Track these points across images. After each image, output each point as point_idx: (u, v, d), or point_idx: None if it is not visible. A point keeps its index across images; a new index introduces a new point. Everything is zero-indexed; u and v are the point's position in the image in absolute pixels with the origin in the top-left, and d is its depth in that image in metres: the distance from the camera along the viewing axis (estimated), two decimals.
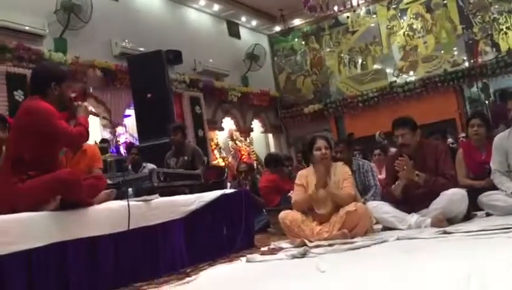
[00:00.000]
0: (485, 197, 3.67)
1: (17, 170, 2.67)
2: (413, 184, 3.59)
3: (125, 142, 10.08)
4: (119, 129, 9.73)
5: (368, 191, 4.53)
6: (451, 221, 3.41)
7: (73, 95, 3.05)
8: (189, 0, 11.20)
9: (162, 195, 4.46)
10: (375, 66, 12.69)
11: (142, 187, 4.41)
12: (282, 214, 3.75)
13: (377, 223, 3.74)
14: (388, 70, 12.51)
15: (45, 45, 7.94)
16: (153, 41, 9.80)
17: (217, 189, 5.60)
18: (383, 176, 6.49)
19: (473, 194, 4.05)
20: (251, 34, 13.47)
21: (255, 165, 6.80)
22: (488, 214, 3.67)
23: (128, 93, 8.58)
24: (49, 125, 2.72)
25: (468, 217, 3.58)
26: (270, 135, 13.80)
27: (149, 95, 7.01)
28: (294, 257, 2.91)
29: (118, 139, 9.76)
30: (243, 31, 13.15)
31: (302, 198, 3.70)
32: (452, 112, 11.56)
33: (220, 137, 12.14)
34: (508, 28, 11.15)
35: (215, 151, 11.85)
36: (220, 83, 11.53)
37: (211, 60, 11.32)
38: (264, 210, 5.23)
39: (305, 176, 3.84)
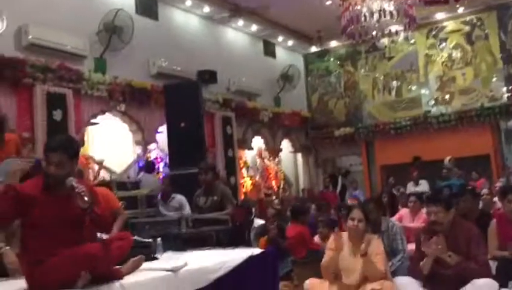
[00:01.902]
0: None
1: (29, 250, 2.71)
2: (443, 264, 3.53)
3: (156, 158, 10.26)
4: (151, 145, 9.88)
5: (395, 255, 4.48)
6: None
7: None
8: (228, 20, 11.26)
9: (189, 241, 4.59)
10: (410, 94, 12.53)
11: (171, 235, 4.51)
12: (309, 284, 3.77)
13: None
14: (423, 100, 12.34)
15: (85, 65, 8.13)
16: (189, 60, 9.96)
17: (244, 231, 5.70)
18: (415, 223, 6.46)
19: (505, 263, 4.04)
20: (287, 53, 13.48)
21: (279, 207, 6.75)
22: None
23: (162, 113, 8.71)
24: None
25: None
26: (299, 155, 13.79)
27: (182, 124, 7.10)
28: None
29: (149, 155, 9.93)
30: (278, 50, 13.18)
31: (333, 264, 3.68)
32: (487, 147, 11.35)
33: (248, 156, 12.20)
34: None
35: (243, 170, 11.92)
36: (252, 103, 11.59)
37: (244, 79, 11.36)
38: (289, 258, 5.22)
39: (337, 241, 3.81)
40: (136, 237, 3.81)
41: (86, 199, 2.71)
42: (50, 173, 2.72)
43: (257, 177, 12.38)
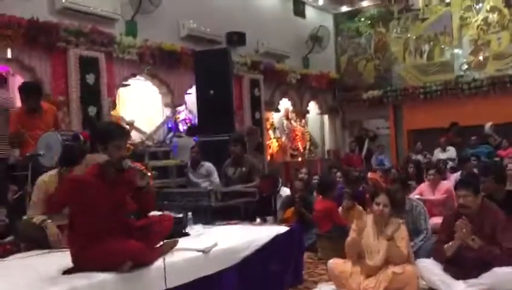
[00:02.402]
0: None
1: (78, 232, 2.91)
2: (466, 247, 3.63)
3: (184, 119, 10.44)
4: (180, 107, 10.03)
5: (418, 234, 4.59)
6: None
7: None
8: None
9: (218, 213, 4.78)
10: (442, 58, 12.25)
11: (201, 208, 4.71)
12: (332, 263, 3.90)
13: None
14: (456, 64, 12.05)
15: (117, 28, 8.20)
16: (218, 22, 9.90)
17: (271, 202, 5.87)
18: (436, 196, 6.53)
19: None
20: (316, 13, 13.24)
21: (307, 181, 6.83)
22: None
23: (191, 75, 8.80)
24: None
25: None
26: (326, 117, 13.78)
27: (211, 92, 7.18)
28: None
29: (177, 116, 10.10)
30: (308, 10, 12.94)
31: (357, 243, 3.81)
32: None
33: (275, 117, 12.26)
34: None
35: (270, 132, 12.02)
36: (280, 65, 11.53)
37: (272, 41, 11.24)
38: (314, 230, 5.38)
39: (363, 223, 3.94)
40: (168, 212, 4.02)
41: (147, 174, 2.95)
42: (119, 157, 2.93)
43: (283, 139, 12.48)
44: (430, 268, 3.77)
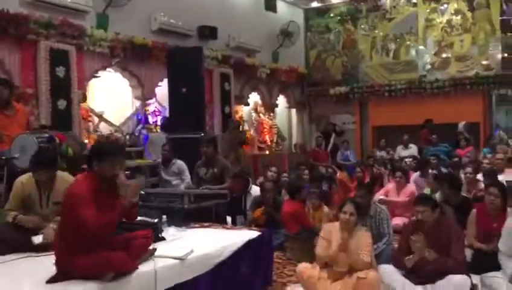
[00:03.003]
0: (489, 279, 3.99)
1: (66, 240, 3.01)
2: (422, 259, 3.90)
3: (154, 112, 10.46)
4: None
5: (381, 238, 4.85)
6: None
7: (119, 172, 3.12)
8: None
9: (190, 215, 4.93)
10: (407, 57, 12.63)
11: (174, 210, 4.84)
12: (302, 267, 4.12)
13: None
14: (420, 64, 12.46)
15: (88, 21, 8.14)
16: (190, 16, 9.93)
17: (241, 201, 6.05)
18: (401, 198, 6.85)
19: (480, 255, 4.45)
20: (287, 8, 13.40)
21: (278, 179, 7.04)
22: None
23: (162, 69, 8.85)
24: (73, 211, 2.93)
25: None
26: (294, 111, 14.02)
27: (184, 90, 7.27)
28: None
29: (147, 108, 10.11)
30: (279, 5, 13.09)
31: (324, 255, 4.05)
32: (477, 115, 11.63)
33: (244, 110, 12.40)
34: None
35: None
36: (251, 59, 11.66)
37: (243, 35, 11.34)
38: (282, 230, 5.59)
39: (330, 231, 4.17)
40: (144, 218, 4.14)
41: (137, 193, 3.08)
42: (112, 173, 3.08)
43: (251, 132, 12.64)
44: (391, 274, 4.02)
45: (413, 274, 3.96)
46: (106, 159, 3.08)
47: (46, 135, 4.65)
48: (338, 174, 6.94)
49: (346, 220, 4.05)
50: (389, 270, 4.07)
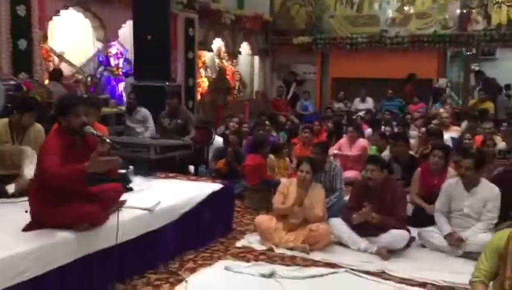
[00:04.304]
0: (425, 233, 4.49)
1: (43, 191, 3.19)
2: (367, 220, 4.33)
3: (116, 54, 10.35)
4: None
5: (334, 192, 5.25)
6: (391, 251, 4.24)
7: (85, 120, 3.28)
8: None
9: (157, 166, 5.16)
10: (371, 11, 12.83)
11: (141, 160, 5.06)
12: (260, 218, 4.50)
13: None
14: (382, 18, 12.70)
15: None
16: None
17: (203, 152, 6.30)
18: (352, 152, 7.27)
19: (420, 211, 4.96)
20: None
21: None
22: (423, 246, 4.51)
23: (126, 11, 8.73)
24: (40, 161, 3.14)
25: (407, 245, 4.40)
26: (257, 58, 14.11)
27: (149, 37, 7.27)
28: (263, 275, 3.71)
29: (109, 50, 10.00)
30: None
31: (281, 208, 4.43)
32: (432, 72, 12.10)
33: (207, 56, 12.41)
34: (503, 2, 11.39)
35: (201, 70, 12.20)
36: (216, 4, 11.58)
37: None
38: (242, 181, 5.91)
39: (287, 186, 4.54)
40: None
41: (107, 141, 3.21)
42: (79, 124, 3.20)
43: (214, 77, 12.71)
44: (340, 227, 4.46)
45: (359, 227, 4.40)
46: (69, 111, 3.22)
47: (13, 83, 4.70)
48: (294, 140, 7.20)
49: (302, 178, 4.41)
50: (338, 223, 4.50)
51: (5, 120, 4.11)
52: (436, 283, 3.67)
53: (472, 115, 8.65)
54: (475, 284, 2.83)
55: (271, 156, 6.09)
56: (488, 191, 4.34)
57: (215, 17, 11.56)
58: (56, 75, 7.92)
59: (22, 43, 7.51)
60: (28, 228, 3.19)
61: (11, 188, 3.88)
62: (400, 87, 11.70)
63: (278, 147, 6.38)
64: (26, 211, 3.30)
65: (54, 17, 8.55)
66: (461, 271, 3.64)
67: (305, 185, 4.42)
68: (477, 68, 13.00)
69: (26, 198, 3.44)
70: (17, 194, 3.84)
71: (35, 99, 4.23)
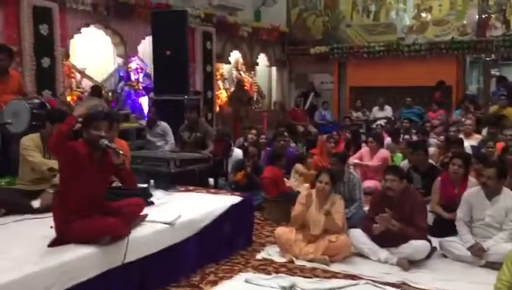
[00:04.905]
0: (446, 243, 4.45)
1: (64, 206, 3.28)
2: (388, 229, 4.31)
3: (136, 69, 10.53)
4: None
5: (353, 203, 5.25)
6: (412, 261, 4.22)
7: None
8: None
9: (177, 179, 5.24)
10: (387, 20, 12.82)
11: (161, 174, 5.14)
12: (279, 230, 4.53)
13: None
14: (398, 26, 12.68)
15: None
16: None
17: (223, 164, 6.36)
18: (373, 162, 7.24)
19: (441, 221, 4.92)
20: None
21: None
22: (444, 256, 4.47)
23: (145, 26, 8.92)
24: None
25: (428, 256, 4.37)
26: (274, 69, 14.20)
27: (168, 53, 7.40)
28: (283, 288, 3.72)
29: (129, 66, 10.19)
30: None
31: (299, 216, 4.45)
32: (451, 79, 12.00)
33: (225, 68, 12.54)
34: None
35: (219, 82, 12.32)
36: (233, 18, 11.71)
37: None
38: (262, 193, 5.95)
39: (307, 196, 4.54)
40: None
41: (121, 153, 3.30)
42: (96, 136, 3.28)
43: (232, 89, 12.82)
44: (360, 238, 4.45)
45: (380, 238, 4.39)
46: (90, 124, 3.32)
47: (37, 101, 4.83)
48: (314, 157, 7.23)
49: (321, 189, 4.43)
50: (358, 234, 4.49)
51: (37, 134, 4.21)
52: None
53: (493, 121, 8.53)
54: None
55: (299, 165, 6.13)
56: (510, 200, 4.29)
57: (232, 30, 11.69)
58: (96, 91, 8.12)
59: (45, 61, 7.74)
60: (53, 244, 3.28)
61: (36, 203, 3.97)
62: (418, 95, 11.64)
63: (303, 156, 6.41)
64: (51, 227, 3.38)
65: (75, 35, 8.78)
66: (484, 282, 3.61)
67: (324, 195, 4.44)
68: (498, 73, 12.86)
69: (51, 213, 3.54)
70: (42, 209, 3.92)
71: (65, 111, 4.31)
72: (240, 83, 11.58)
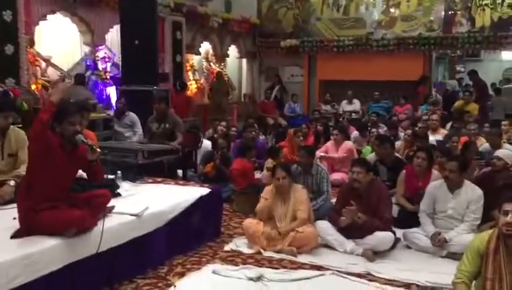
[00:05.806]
0: (410, 234, 4.56)
1: (31, 196, 3.22)
2: (354, 221, 4.39)
3: (104, 58, 10.33)
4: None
5: (321, 195, 5.32)
6: (377, 252, 4.32)
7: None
8: None
9: (145, 170, 5.19)
10: (357, 14, 12.94)
11: (129, 165, 5.09)
12: (247, 223, 4.55)
13: None
14: (368, 21, 12.82)
15: None
16: None
17: (192, 156, 6.34)
18: (339, 154, 7.33)
19: (405, 213, 5.04)
20: None
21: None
22: (408, 247, 4.58)
23: (113, 15, 8.76)
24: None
25: (393, 247, 4.48)
26: (244, 61, 14.17)
27: (137, 42, 7.29)
28: (251, 279, 3.76)
29: (96, 55, 9.99)
30: None
31: (262, 211, 4.50)
32: (417, 74, 12.22)
33: (195, 59, 12.43)
34: (486, 5, 11.56)
35: (189, 73, 12.22)
36: (203, 8, 11.61)
37: None
38: (230, 185, 5.96)
39: (271, 191, 4.59)
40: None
41: (97, 150, 3.30)
42: (72, 132, 3.25)
43: (202, 81, 12.74)
44: (326, 229, 4.52)
45: (346, 230, 4.46)
46: (65, 118, 3.28)
47: (0, 89, 4.69)
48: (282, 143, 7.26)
49: (279, 185, 4.47)
50: (325, 226, 4.56)
51: None
52: (420, 284, 3.75)
53: (456, 117, 8.77)
54: (457, 285, 2.91)
55: (270, 160, 6.16)
56: (471, 192, 4.43)
57: (202, 21, 11.60)
58: (80, 79, 7.94)
59: (9, 48, 7.48)
60: (16, 235, 3.21)
61: None
62: (386, 89, 11.84)
63: (275, 150, 6.44)
64: (14, 218, 3.31)
65: (41, 22, 8.55)
66: (445, 272, 3.71)
67: (285, 190, 4.48)
68: (463, 69, 13.19)
69: (14, 205, 3.47)
70: (2, 201, 3.84)
71: (9, 100, 4.21)
72: (220, 75, 11.52)
